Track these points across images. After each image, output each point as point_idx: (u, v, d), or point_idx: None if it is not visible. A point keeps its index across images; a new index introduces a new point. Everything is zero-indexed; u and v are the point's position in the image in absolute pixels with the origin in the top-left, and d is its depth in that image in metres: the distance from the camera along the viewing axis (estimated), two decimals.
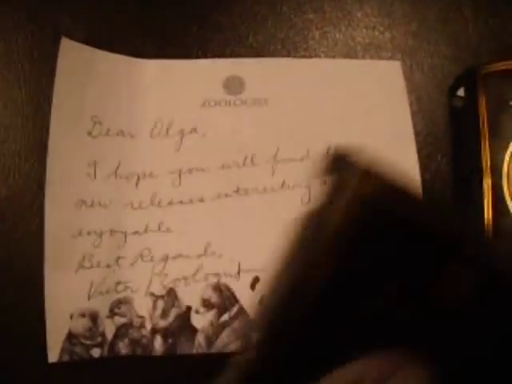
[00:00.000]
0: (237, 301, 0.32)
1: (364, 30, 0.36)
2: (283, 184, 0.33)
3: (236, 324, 0.31)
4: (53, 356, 0.30)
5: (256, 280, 0.32)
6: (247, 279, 0.32)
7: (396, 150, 0.34)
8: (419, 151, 0.35)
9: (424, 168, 0.35)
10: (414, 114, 0.35)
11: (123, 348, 0.31)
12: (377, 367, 0.19)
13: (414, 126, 0.35)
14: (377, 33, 0.36)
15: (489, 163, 0.34)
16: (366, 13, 0.37)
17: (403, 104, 0.35)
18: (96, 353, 0.30)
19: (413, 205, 0.20)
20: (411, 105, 0.36)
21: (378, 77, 0.35)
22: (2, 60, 0.33)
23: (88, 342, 0.30)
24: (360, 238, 0.19)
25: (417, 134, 0.35)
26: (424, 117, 0.36)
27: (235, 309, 0.32)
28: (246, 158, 0.33)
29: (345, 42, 0.36)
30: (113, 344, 0.31)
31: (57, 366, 0.30)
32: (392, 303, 0.19)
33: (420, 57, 0.36)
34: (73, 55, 0.32)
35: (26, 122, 0.32)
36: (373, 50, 0.36)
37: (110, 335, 0.31)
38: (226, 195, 0.33)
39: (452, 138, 0.37)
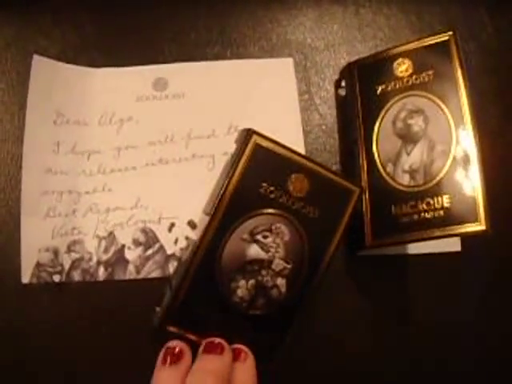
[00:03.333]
0: (158, 240, 0.43)
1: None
2: (194, 155, 0.44)
3: (157, 257, 0.42)
4: (25, 278, 0.40)
5: (172, 225, 0.43)
6: (166, 224, 0.43)
7: (285, 130, 0.45)
8: (314, 129, 0.46)
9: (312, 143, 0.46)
10: (309, 103, 0.46)
11: (76, 275, 0.42)
12: None
13: (310, 113, 0.46)
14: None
15: (362, 135, 0.43)
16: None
17: (293, 95, 0.46)
18: (56, 278, 0.41)
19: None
20: (307, 94, 0.46)
21: (272, 72, 0.46)
22: None
23: (51, 270, 0.41)
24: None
25: (311, 119, 0.46)
26: (316, 104, 0.47)
27: (156, 246, 0.42)
28: (167, 136, 0.44)
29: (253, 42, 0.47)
30: (69, 272, 0.41)
31: (28, 286, 0.40)
32: None
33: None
34: (42, 68, 0.44)
35: (11, 116, 0.45)
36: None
37: (67, 266, 0.41)
38: (152, 164, 0.44)
39: (338, 120, 0.47)
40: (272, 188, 0.36)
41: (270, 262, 0.36)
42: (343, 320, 0.42)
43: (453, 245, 0.44)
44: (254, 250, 0.35)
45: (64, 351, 0.40)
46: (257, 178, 0.36)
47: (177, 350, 0.33)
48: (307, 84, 0.46)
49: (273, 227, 0.36)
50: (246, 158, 0.36)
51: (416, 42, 0.42)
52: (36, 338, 0.40)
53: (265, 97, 0.46)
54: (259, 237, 0.35)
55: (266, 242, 0.36)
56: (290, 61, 0.47)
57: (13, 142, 0.44)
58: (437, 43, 0.42)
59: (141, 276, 0.42)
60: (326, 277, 0.37)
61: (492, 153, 0.45)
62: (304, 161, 0.37)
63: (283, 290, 0.36)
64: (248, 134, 0.36)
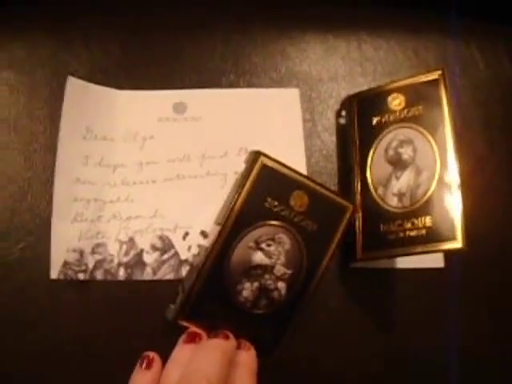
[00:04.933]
0: (173, 247, 0.47)
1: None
2: (208, 173, 0.49)
3: (172, 261, 0.47)
4: (54, 274, 0.45)
5: (186, 234, 0.48)
6: (181, 233, 0.48)
7: (290, 154, 0.49)
8: (315, 154, 0.51)
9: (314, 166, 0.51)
10: (312, 130, 0.52)
11: (99, 274, 0.46)
12: None
13: (312, 139, 0.51)
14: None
15: (358, 161, 0.48)
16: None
17: (298, 122, 0.51)
18: (81, 276, 0.46)
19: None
20: (310, 122, 0.52)
21: (280, 101, 0.52)
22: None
23: (76, 269, 0.46)
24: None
25: (313, 145, 0.51)
26: (318, 131, 0.52)
27: (172, 252, 0.47)
28: (184, 155, 0.50)
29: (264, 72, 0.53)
30: (92, 271, 0.46)
31: (56, 281, 0.45)
32: None
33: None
34: (74, 87, 0.49)
35: (44, 129, 0.50)
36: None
37: (91, 265, 0.46)
38: (170, 179, 0.49)
39: (338, 146, 0.52)
40: (276, 203, 0.41)
41: (272, 267, 0.41)
42: (334, 327, 0.47)
43: (437, 261, 0.49)
44: (259, 257, 0.41)
45: (85, 341, 0.45)
46: (262, 193, 0.42)
47: (151, 357, 0.40)
48: (311, 112, 0.51)
49: (276, 237, 0.41)
50: (254, 175, 0.41)
51: (409, 79, 0.48)
52: (61, 329, 0.45)
53: (273, 123, 0.51)
54: (263, 245, 0.41)
55: (269, 250, 0.41)
56: (296, 91, 0.52)
57: (45, 152, 0.49)
58: (428, 81, 0.47)
59: (157, 277, 0.47)
60: (320, 284, 0.42)
61: (479, 178, 0.50)
62: (305, 180, 0.43)
63: (283, 292, 0.41)
64: (256, 155, 0.42)
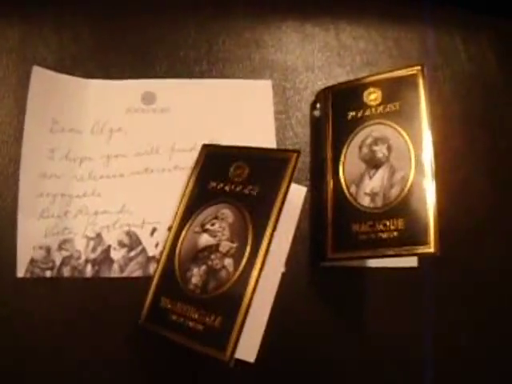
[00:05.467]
0: (141, 243, 0.47)
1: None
2: (176, 167, 0.48)
3: (139, 258, 0.46)
4: (20, 272, 0.44)
5: (154, 230, 0.47)
6: (148, 229, 0.46)
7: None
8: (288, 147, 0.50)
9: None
10: (285, 122, 0.50)
11: (66, 271, 0.45)
12: None
13: (285, 131, 0.50)
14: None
15: (331, 156, 0.47)
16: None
17: (270, 114, 0.50)
18: (48, 273, 0.45)
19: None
20: (284, 114, 0.50)
21: (252, 92, 0.50)
22: None
23: (43, 266, 0.45)
24: None
25: (286, 137, 0.50)
26: (291, 124, 0.50)
27: (139, 248, 0.46)
28: (152, 148, 0.48)
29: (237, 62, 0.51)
30: (59, 269, 0.45)
31: (22, 280, 0.44)
32: None
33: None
34: (40, 78, 0.47)
35: (11, 119, 0.48)
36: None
37: (58, 262, 0.45)
38: (138, 173, 0.48)
39: (311, 140, 0.51)
40: (216, 182, 0.42)
41: (218, 245, 0.41)
42: (304, 329, 0.46)
43: (410, 261, 0.48)
44: (204, 239, 0.41)
45: (54, 339, 0.44)
46: (205, 178, 0.43)
47: None
48: (285, 104, 0.50)
49: (218, 214, 0.41)
50: (197, 165, 0.44)
51: (387, 74, 0.46)
52: (30, 327, 0.44)
53: (244, 115, 0.49)
54: (208, 226, 0.41)
55: (213, 229, 0.41)
56: (268, 83, 0.50)
57: (11, 145, 0.47)
58: (406, 76, 0.45)
59: (124, 274, 0.46)
60: (267, 258, 0.39)
61: (456, 174, 0.49)
62: (242, 150, 0.43)
63: (231, 269, 0.40)
64: (202, 147, 0.44)
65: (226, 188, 0.41)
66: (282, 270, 0.46)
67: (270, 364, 0.45)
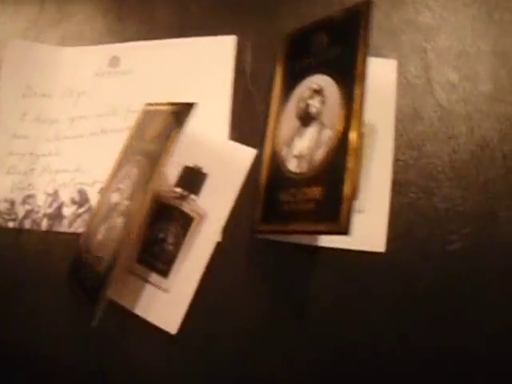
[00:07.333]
0: (88, 201, 0.47)
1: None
2: (129, 127, 0.47)
3: (85, 216, 0.47)
4: None
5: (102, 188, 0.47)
6: (98, 187, 0.47)
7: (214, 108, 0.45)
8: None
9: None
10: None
11: (27, 223, 0.48)
12: None
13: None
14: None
15: (275, 111, 0.41)
16: None
17: (229, 71, 0.46)
18: (11, 224, 0.48)
19: None
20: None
21: (214, 49, 0.47)
22: None
23: (7, 217, 0.48)
24: None
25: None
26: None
27: (87, 206, 0.47)
28: (111, 109, 0.48)
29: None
30: (21, 221, 0.48)
31: None
32: None
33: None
34: (14, 47, 0.51)
35: None
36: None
37: (20, 215, 0.48)
38: (95, 134, 0.48)
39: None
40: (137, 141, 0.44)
41: (119, 204, 0.41)
42: (245, 307, 0.42)
43: (377, 245, 0.40)
44: (113, 197, 0.43)
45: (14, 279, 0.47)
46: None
47: None
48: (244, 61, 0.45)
49: (130, 173, 0.42)
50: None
51: (336, 12, 0.39)
52: None
53: (204, 73, 0.47)
54: (120, 185, 0.42)
55: (122, 187, 0.42)
56: (232, 38, 0.47)
57: None
58: (352, 14, 0.37)
59: (71, 230, 0.47)
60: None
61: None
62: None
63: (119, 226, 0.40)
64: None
65: (141, 147, 0.43)
66: (218, 239, 0.42)
67: (199, 339, 0.42)
